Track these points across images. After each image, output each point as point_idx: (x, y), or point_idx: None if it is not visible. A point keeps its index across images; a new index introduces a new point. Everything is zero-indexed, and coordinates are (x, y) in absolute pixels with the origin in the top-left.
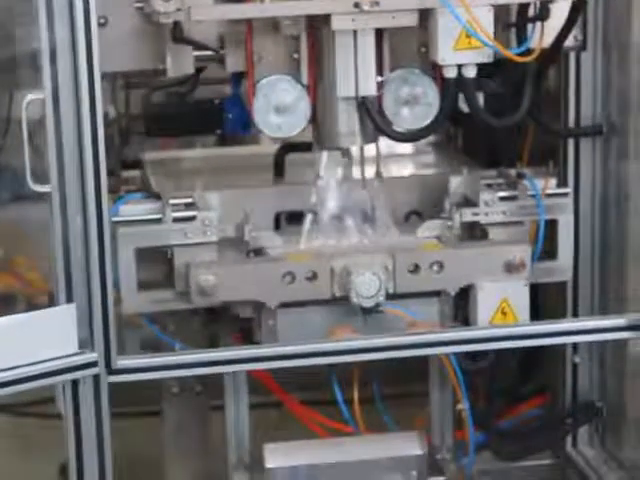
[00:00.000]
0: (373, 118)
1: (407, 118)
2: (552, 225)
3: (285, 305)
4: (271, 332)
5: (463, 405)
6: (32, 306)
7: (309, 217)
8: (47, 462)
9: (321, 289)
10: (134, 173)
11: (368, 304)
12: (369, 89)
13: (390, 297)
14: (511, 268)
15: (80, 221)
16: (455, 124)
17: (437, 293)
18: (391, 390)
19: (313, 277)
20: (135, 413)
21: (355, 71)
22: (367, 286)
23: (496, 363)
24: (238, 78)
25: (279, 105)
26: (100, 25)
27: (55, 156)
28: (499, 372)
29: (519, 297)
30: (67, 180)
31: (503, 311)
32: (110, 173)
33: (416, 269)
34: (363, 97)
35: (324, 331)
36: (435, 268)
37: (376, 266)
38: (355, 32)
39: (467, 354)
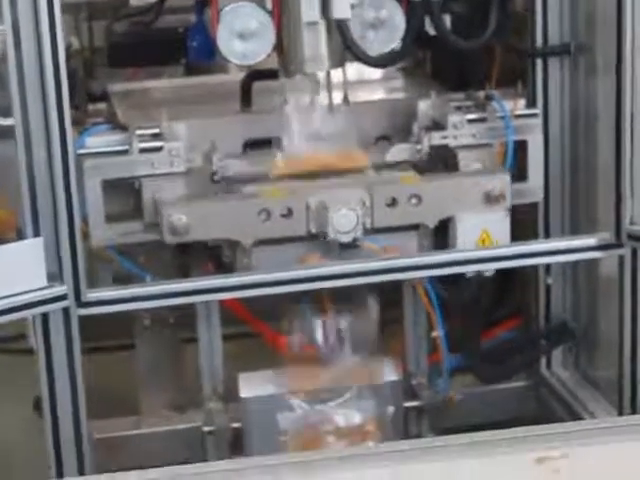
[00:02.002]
0: (349, 42)
1: (373, 42)
2: (522, 146)
3: (260, 243)
4: (246, 270)
5: (437, 330)
6: (1, 242)
7: (278, 145)
8: (22, 398)
9: (297, 226)
10: (101, 106)
11: (346, 239)
12: (344, 12)
13: (368, 232)
14: (490, 199)
15: (44, 154)
16: (423, 48)
17: (416, 226)
18: None
19: (289, 214)
20: (109, 347)
21: None
22: (344, 221)
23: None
24: (202, 6)
25: (243, 32)
26: None
27: (17, 89)
28: (474, 295)
29: (499, 228)
30: (30, 113)
31: (483, 243)
32: (76, 106)
33: (394, 203)
34: (338, 21)
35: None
36: (413, 201)
37: (353, 201)
38: None
39: (444, 282)
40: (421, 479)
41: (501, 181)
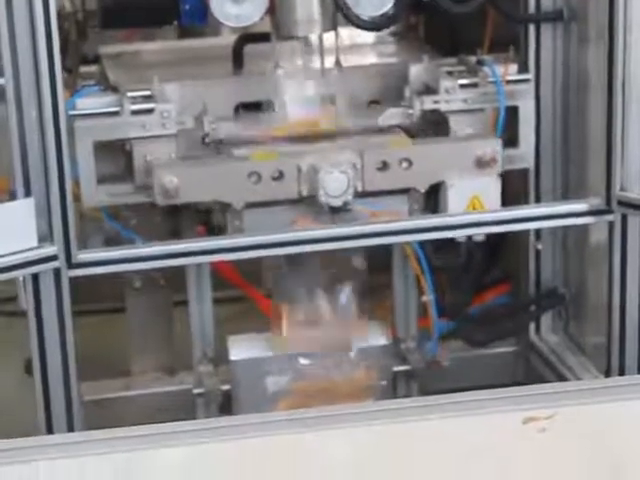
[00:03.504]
0: (340, 5)
1: (366, 5)
2: (513, 112)
3: (252, 205)
4: (237, 233)
5: (427, 294)
6: None
7: (269, 108)
8: (14, 359)
9: (288, 188)
10: (93, 68)
11: (336, 203)
12: None
13: (359, 195)
14: (482, 164)
15: (36, 114)
16: (416, 13)
17: (406, 191)
18: None
19: (280, 176)
20: (100, 310)
21: None
22: (335, 184)
23: (463, 252)
24: None
25: None
26: None
27: (9, 50)
28: (466, 260)
29: (490, 193)
30: (21, 74)
31: (474, 207)
32: (68, 69)
33: (384, 166)
34: None
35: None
36: (404, 165)
37: (344, 164)
38: None
39: (434, 248)
40: (408, 438)
41: (492, 146)
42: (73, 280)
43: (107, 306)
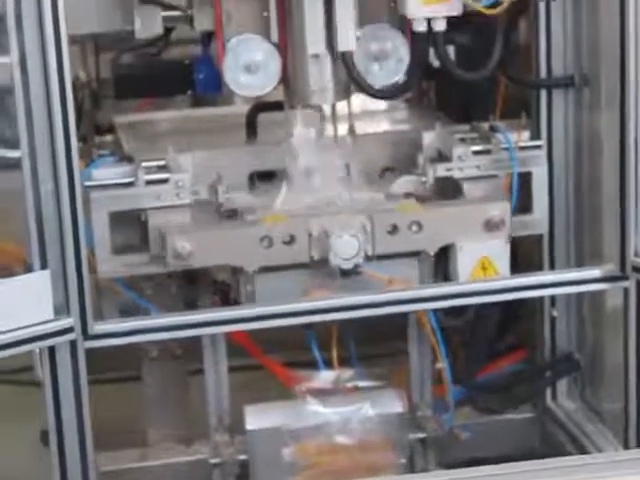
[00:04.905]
0: (353, 75)
1: (378, 74)
2: (526, 178)
3: (263, 269)
4: (250, 297)
5: (442, 362)
6: (9, 275)
7: (283, 177)
8: (29, 429)
9: (299, 252)
10: (107, 138)
11: (347, 266)
12: (348, 44)
13: (369, 258)
14: (491, 226)
15: (51, 186)
16: (427, 79)
17: (416, 253)
18: (371, 349)
19: (291, 240)
20: (115, 379)
21: (326, 26)
22: (346, 248)
23: (475, 318)
24: (208, 38)
25: (249, 64)
26: None
27: (24, 121)
28: (479, 327)
29: (499, 255)
30: (37, 145)
31: (483, 267)
32: (83, 139)
33: (395, 230)
34: (342, 53)
35: (304, 295)
36: (414, 228)
37: (354, 227)
38: None
39: (445, 311)
40: None
41: (501, 208)
42: (89, 350)
43: (123, 374)
